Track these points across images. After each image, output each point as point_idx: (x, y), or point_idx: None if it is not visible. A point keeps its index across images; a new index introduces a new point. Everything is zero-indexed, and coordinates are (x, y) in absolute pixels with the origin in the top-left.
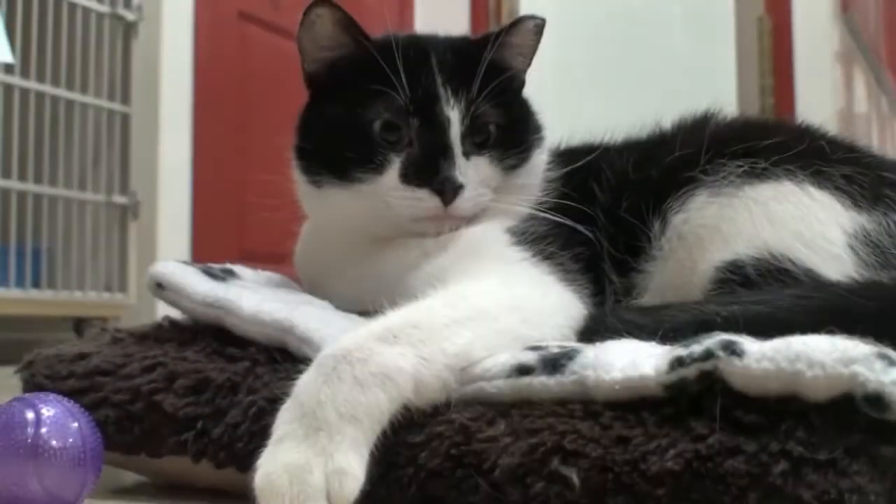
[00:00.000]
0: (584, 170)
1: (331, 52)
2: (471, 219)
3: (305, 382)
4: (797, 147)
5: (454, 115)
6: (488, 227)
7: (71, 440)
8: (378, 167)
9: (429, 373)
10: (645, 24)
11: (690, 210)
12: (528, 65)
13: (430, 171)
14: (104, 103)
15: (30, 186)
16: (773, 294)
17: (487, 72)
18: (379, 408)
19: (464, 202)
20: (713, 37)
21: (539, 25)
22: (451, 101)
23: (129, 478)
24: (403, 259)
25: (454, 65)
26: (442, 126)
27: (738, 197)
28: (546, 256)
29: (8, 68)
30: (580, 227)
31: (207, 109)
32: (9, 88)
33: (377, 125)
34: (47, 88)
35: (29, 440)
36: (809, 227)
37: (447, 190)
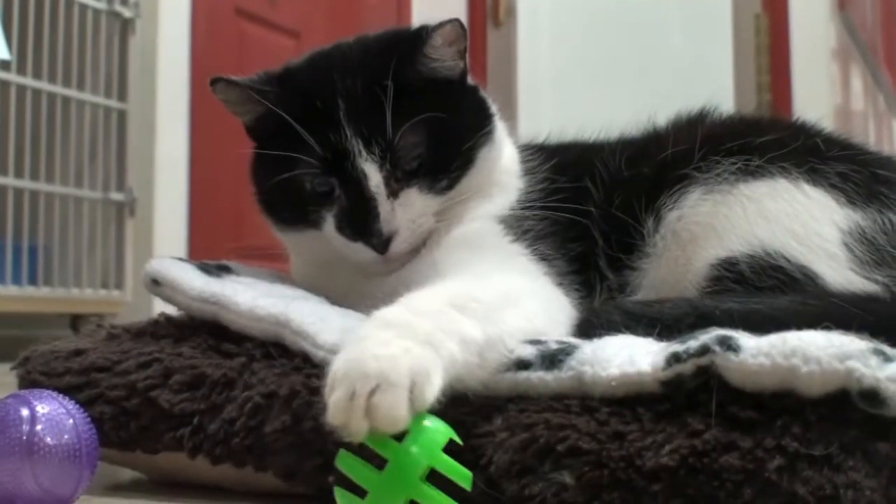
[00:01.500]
0: (579, 166)
1: (249, 115)
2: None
3: (387, 312)
4: (792, 144)
5: (370, 167)
6: (481, 223)
7: (66, 437)
8: (315, 223)
9: (490, 352)
10: (642, 20)
11: (684, 207)
12: (462, 60)
13: (359, 225)
14: (101, 100)
15: (26, 183)
16: (771, 297)
17: (405, 93)
18: (453, 356)
19: (399, 245)
20: (710, 33)
21: (453, 30)
22: (364, 154)
23: (126, 474)
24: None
25: (365, 103)
26: (359, 181)
27: (733, 194)
28: (542, 258)
29: (5, 65)
30: (576, 217)
31: (204, 106)
32: (5, 85)
33: (303, 187)
34: (44, 85)
35: (24, 437)
36: (804, 224)
37: (376, 244)
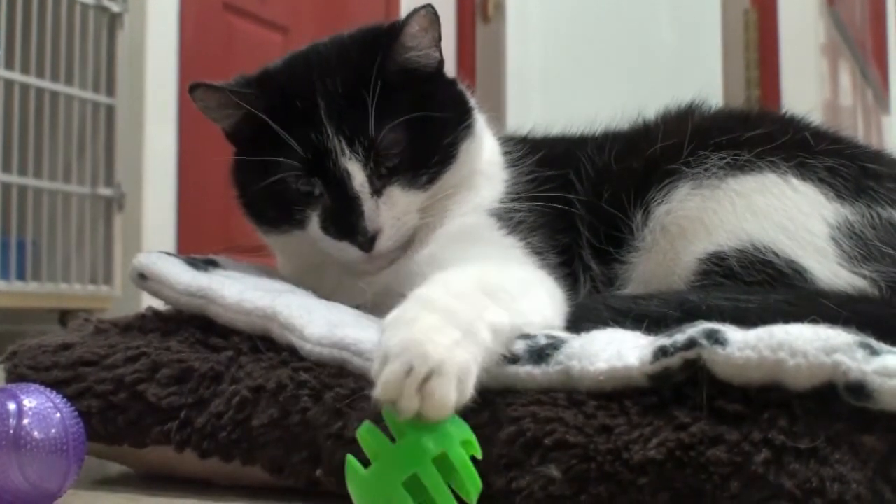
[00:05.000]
0: (564, 159)
1: (228, 119)
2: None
3: (429, 293)
4: (781, 139)
5: (353, 166)
6: (475, 217)
7: (53, 431)
8: (300, 222)
9: (512, 342)
10: (631, 15)
11: (673, 201)
12: (437, 49)
13: (344, 224)
14: (89, 95)
15: (14, 178)
16: (759, 293)
17: (385, 89)
18: (487, 348)
19: (384, 242)
20: (699, 29)
21: (427, 15)
22: (348, 152)
23: (114, 468)
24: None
25: (346, 102)
26: (342, 180)
27: (721, 189)
28: (535, 252)
29: None
30: (563, 208)
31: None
32: None
33: (288, 187)
34: (32, 80)
35: (11, 431)
36: (793, 219)
37: (361, 242)
